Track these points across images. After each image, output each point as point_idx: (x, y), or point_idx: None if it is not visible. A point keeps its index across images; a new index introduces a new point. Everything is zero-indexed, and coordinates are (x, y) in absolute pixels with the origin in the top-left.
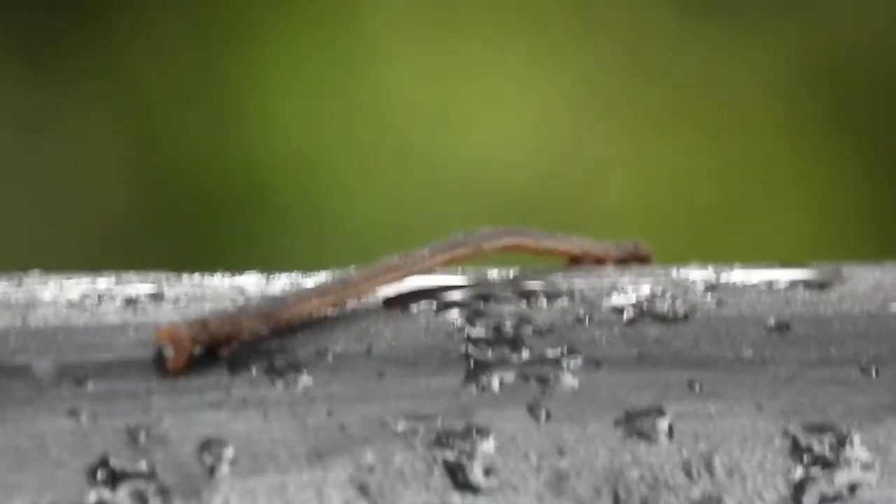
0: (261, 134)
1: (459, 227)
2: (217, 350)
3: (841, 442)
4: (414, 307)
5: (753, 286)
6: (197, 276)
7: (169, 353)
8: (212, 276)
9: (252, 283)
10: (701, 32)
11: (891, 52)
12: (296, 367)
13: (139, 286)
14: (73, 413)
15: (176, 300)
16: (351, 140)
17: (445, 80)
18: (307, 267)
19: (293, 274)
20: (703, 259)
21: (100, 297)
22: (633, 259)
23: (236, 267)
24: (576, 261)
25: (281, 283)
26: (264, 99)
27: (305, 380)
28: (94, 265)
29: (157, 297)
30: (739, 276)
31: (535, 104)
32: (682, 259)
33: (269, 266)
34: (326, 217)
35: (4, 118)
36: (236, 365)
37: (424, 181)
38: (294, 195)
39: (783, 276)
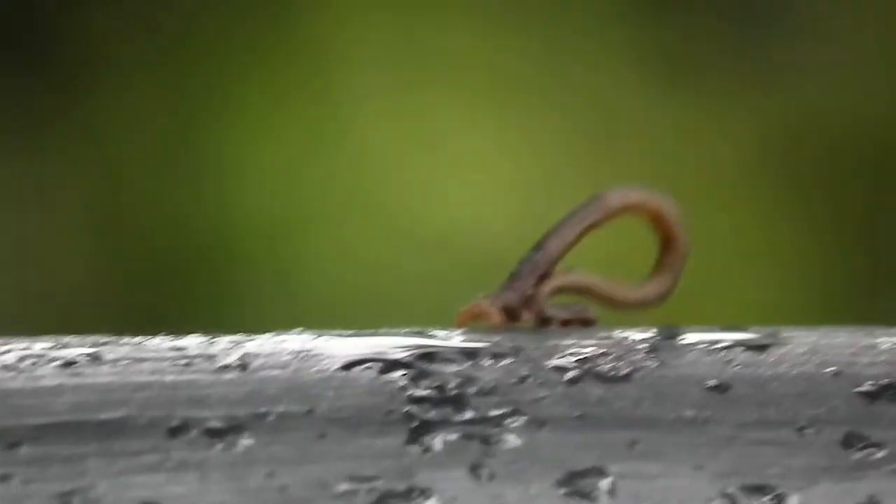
0: (233, 198)
1: (432, 289)
2: (514, 321)
3: (779, 503)
4: (357, 367)
5: (695, 347)
6: (137, 338)
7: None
8: (152, 337)
9: (194, 345)
10: (668, 97)
11: (855, 120)
12: (236, 429)
13: (77, 349)
14: (5, 478)
15: (115, 362)
16: (323, 203)
17: (418, 144)
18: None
19: (238, 334)
20: (672, 318)
21: (36, 359)
22: (579, 321)
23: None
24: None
25: (223, 344)
26: (236, 162)
27: (245, 441)
28: (65, 333)
29: (95, 358)
30: (682, 337)
31: (506, 167)
32: (654, 318)
33: (242, 329)
34: (299, 280)
35: None
36: (174, 427)
37: (397, 244)
38: (266, 258)
39: (724, 337)
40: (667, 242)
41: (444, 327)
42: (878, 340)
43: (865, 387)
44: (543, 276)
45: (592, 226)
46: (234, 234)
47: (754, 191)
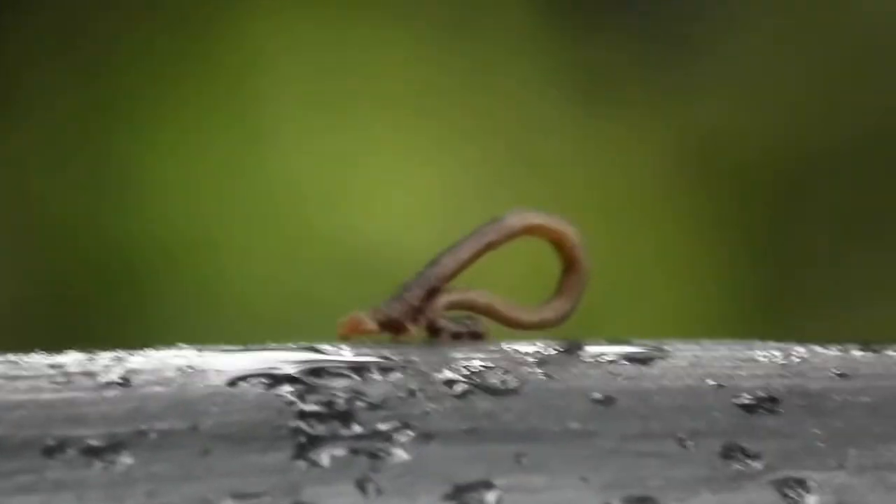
0: (149, 214)
1: (352, 308)
2: (399, 334)
3: None
4: (244, 383)
5: (582, 360)
6: (12, 355)
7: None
8: (28, 354)
9: (74, 361)
10: (589, 113)
11: (766, 134)
12: (116, 447)
13: None
14: None
15: None
16: (241, 220)
17: (338, 161)
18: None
19: (118, 350)
20: (590, 330)
21: None
22: (469, 334)
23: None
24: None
25: (105, 360)
26: (153, 179)
27: (125, 460)
28: None
29: None
30: (569, 350)
31: (429, 184)
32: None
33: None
34: (219, 297)
35: None
36: (50, 447)
37: (319, 261)
38: (186, 275)
39: (610, 350)
40: (568, 266)
41: (332, 342)
42: (757, 353)
43: (744, 399)
44: (433, 291)
45: (490, 246)
46: (151, 250)
47: (671, 203)
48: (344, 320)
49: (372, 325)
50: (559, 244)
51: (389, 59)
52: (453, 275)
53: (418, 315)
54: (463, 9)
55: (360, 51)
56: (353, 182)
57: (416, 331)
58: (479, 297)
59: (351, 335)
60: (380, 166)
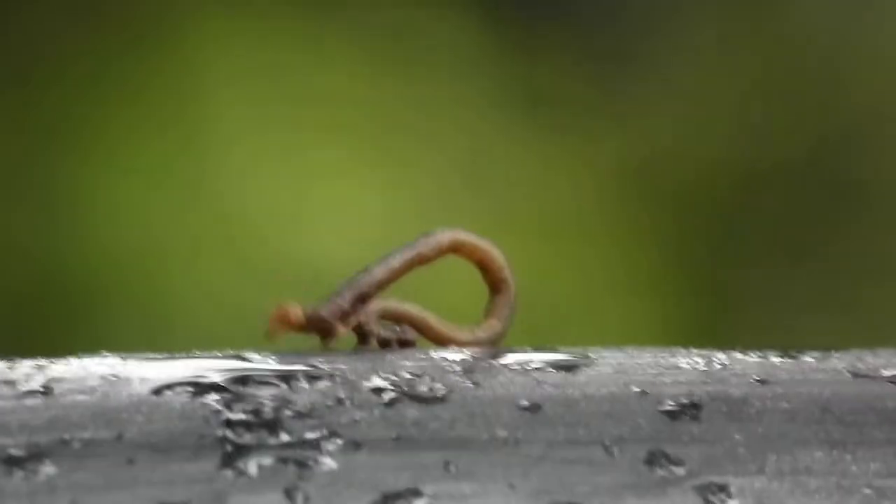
0: (90, 230)
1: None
2: (329, 335)
3: None
4: (169, 391)
5: (508, 368)
6: None
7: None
8: None
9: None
10: (533, 134)
11: (706, 155)
12: (37, 457)
13: None
14: None
15: None
16: (184, 238)
17: (286, 181)
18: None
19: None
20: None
21: None
22: (398, 341)
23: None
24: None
25: (25, 368)
26: (93, 195)
27: (48, 469)
28: None
29: None
30: (496, 358)
31: (375, 205)
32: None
33: None
34: (161, 312)
35: None
36: None
37: (263, 278)
38: (134, 293)
39: (536, 358)
40: (495, 288)
41: (259, 349)
42: (680, 360)
43: (667, 406)
44: (363, 297)
45: (421, 259)
46: (90, 267)
47: (613, 221)
48: (273, 311)
49: (299, 316)
50: (485, 265)
51: (336, 81)
52: (384, 282)
53: (347, 318)
54: (407, 29)
55: (305, 73)
56: (300, 201)
57: (344, 333)
58: (414, 310)
59: (278, 327)
60: (326, 186)
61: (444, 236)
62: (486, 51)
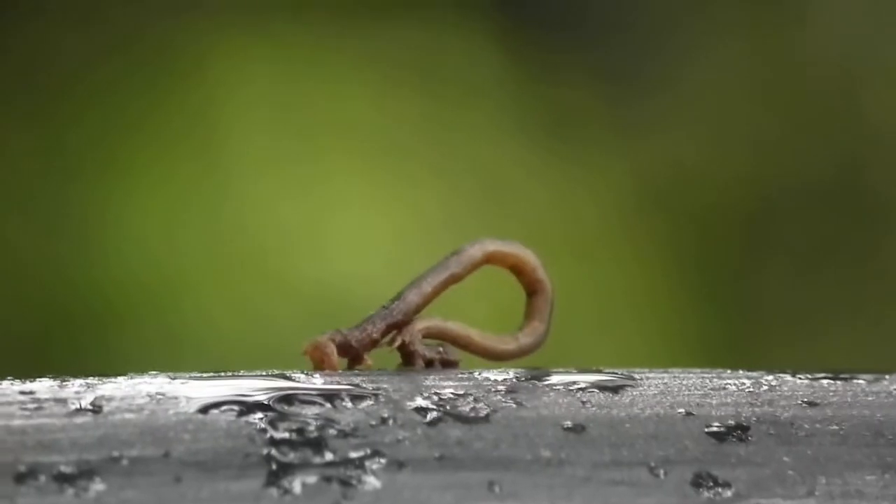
0: (116, 253)
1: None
2: (356, 362)
3: None
4: (215, 410)
5: (552, 388)
6: None
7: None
8: None
9: (45, 388)
10: (546, 155)
11: (725, 174)
12: (87, 474)
13: None
14: None
15: None
16: (206, 258)
17: (301, 204)
18: None
19: (89, 377)
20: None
21: None
22: (442, 362)
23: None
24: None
25: (75, 387)
26: (118, 219)
27: (97, 486)
28: None
29: None
30: (540, 378)
31: (387, 224)
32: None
33: None
34: (184, 335)
35: None
36: (22, 473)
37: (282, 299)
38: (150, 313)
39: (581, 378)
40: (531, 290)
41: (305, 370)
42: (726, 382)
43: (714, 427)
44: (397, 325)
45: (454, 278)
46: (117, 289)
47: (634, 237)
48: (308, 348)
49: (332, 347)
50: (519, 269)
51: (356, 108)
52: (418, 309)
53: (376, 346)
54: (430, 51)
55: (325, 100)
56: (315, 222)
57: (370, 364)
58: (457, 327)
59: (318, 364)
60: (349, 207)
61: (475, 250)
62: (506, 73)
